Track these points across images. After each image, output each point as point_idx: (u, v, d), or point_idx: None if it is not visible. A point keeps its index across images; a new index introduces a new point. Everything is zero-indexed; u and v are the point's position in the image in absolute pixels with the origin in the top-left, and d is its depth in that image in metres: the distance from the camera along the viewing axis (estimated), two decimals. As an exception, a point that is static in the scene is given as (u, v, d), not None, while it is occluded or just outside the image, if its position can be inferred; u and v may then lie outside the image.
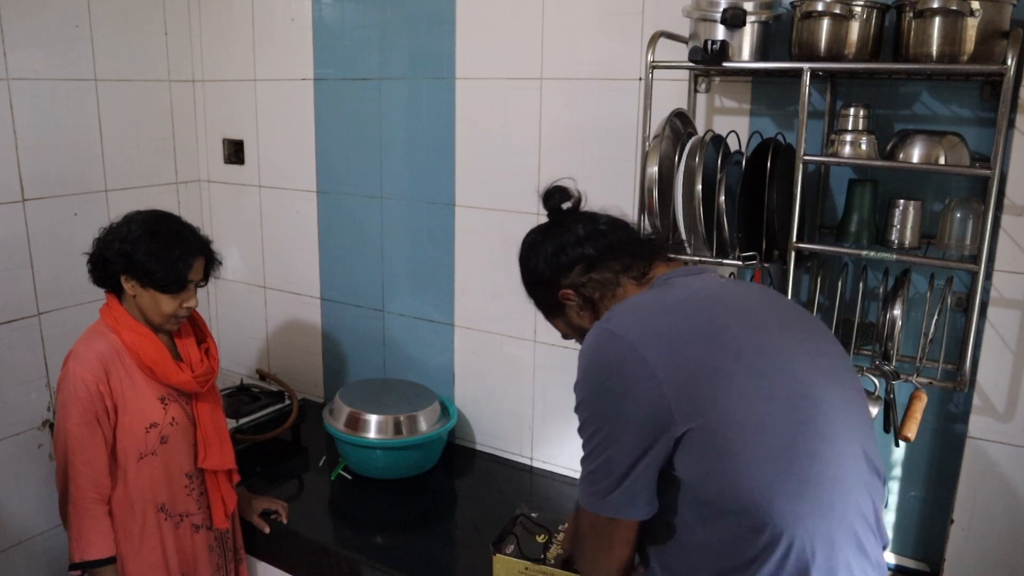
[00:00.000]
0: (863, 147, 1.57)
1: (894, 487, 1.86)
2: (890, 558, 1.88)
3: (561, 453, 2.31)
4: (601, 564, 1.18)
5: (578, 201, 1.34)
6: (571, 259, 1.23)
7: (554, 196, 1.33)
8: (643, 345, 1.05)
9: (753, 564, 1.04)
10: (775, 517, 1.02)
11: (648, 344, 1.05)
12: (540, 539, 1.71)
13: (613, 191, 2.05)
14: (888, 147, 1.58)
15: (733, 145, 1.79)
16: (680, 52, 1.74)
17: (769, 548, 1.03)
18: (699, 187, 1.63)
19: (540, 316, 2.22)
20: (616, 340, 1.07)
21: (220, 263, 1.85)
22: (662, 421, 1.03)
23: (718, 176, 1.65)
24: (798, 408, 1.06)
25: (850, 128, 1.58)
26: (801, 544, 1.03)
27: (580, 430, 1.12)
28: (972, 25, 1.40)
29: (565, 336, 1.37)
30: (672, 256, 1.30)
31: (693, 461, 1.04)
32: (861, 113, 1.58)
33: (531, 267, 1.29)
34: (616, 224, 1.29)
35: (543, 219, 2.17)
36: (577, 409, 1.12)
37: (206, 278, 1.82)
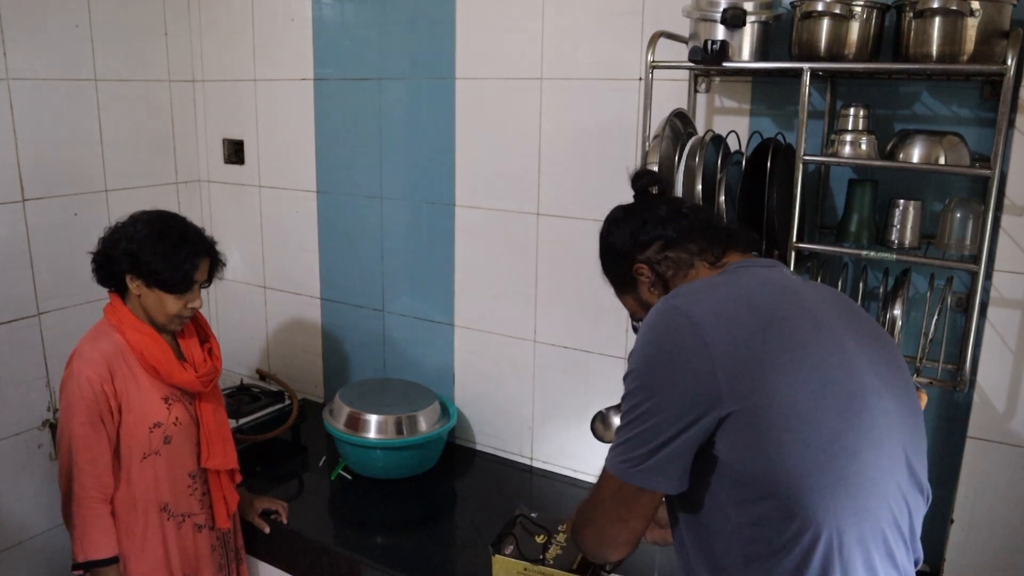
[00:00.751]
0: (863, 147, 1.57)
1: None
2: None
3: (561, 453, 2.31)
4: (612, 535, 1.17)
5: (665, 187, 1.36)
6: (651, 237, 1.25)
7: (643, 178, 1.36)
8: (704, 324, 1.06)
9: (779, 553, 1.04)
10: (807, 508, 1.02)
11: (710, 324, 1.06)
12: (539, 540, 1.71)
13: (613, 191, 2.05)
14: (888, 147, 1.58)
15: (733, 145, 1.79)
16: (680, 52, 1.74)
17: (796, 538, 1.03)
18: (699, 187, 1.63)
19: (540, 316, 2.25)
20: (679, 315, 1.08)
21: (224, 264, 1.86)
22: (711, 399, 1.04)
23: (718, 176, 1.65)
24: (848, 406, 1.06)
25: (850, 128, 1.58)
26: (828, 539, 1.03)
27: (625, 397, 1.12)
28: (972, 25, 1.40)
29: (632, 314, 1.38)
30: (751, 249, 1.31)
31: (736, 442, 1.04)
32: (861, 113, 1.58)
33: (611, 241, 1.30)
34: (698, 210, 1.32)
35: (543, 220, 2.19)
36: (627, 377, 1.12)
37: (210, 279, 1.83)
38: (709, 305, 1.10)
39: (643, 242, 1.26)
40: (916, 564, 1.18)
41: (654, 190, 1.35)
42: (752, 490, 1.05)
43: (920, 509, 1.16)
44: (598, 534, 1.20)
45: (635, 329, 1.25)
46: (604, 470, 1.17)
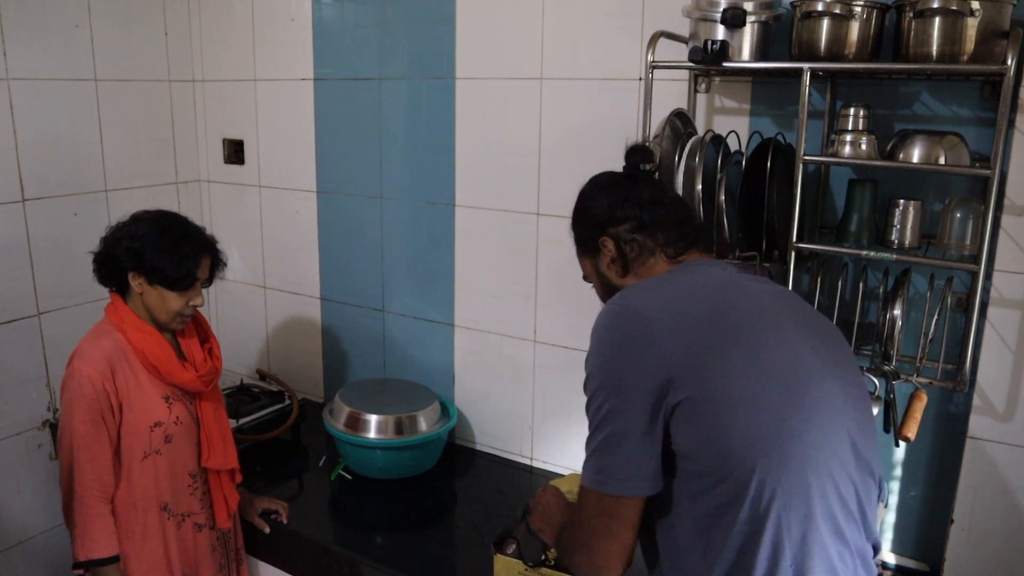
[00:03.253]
0: (863, 147, 1.57)
1: (894, 487, 1.86)
2: (890, 558, 1.88)
3: (561, 453, 2.31)
4: (603, 551, 1.16)
5: (656, 168, 1.38)
6: (626, 215, 1.27)
7: (637, 154, 1.37)
8: (653, 320, 1.09)
9: (733, 536, 1.07)
10: (755, 488, 1.05)
11: (658, 319, 1.09)
12: (542, 538, 1.71)
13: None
14: (888, 147, 1.58)
15: (733, 145, 1.79)
16: (680, 52, 1.74)
17: (748, 520, 1.06)
18: (699, 187, 1.63)
19: (540, 316, 2.25)
20: (629, 314, 1.11)
21: (225, 263, 1.87)
22: (663, 389, 1.07)
23: (718, 176, 1.65)
24: (791, 390, 1.09)
25: (850, 128, 1.58)
26: (776, 518, 1.05)
27: (588, 404, 1.14)
28: (972, 25, 1.40)
29: (586, 278, 1.41)
30: (712, 250, 1.35)
31: (688, 430, 1.07)
32: (861, 113, 1.58)
33: (588, 204, 1.33)
34: (678, 201, 1.34)
35: (543, 220, 2.19)
36: (586, 382, 1.14)
37: (211, 278, 1.83)
38: (657, 302, 1.13)
39: (618, 217, 1.28)
40: (875, 548, 1.19)
41: (646, 168, 1.37)
42: (707, 479, 1.08)
43: (872, 492, 1.18)
44: (589, 555, 1.18)
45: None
46: (582, 486, 1.17)
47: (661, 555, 1.18)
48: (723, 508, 1.08)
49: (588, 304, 2.16)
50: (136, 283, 1.74)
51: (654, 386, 1.07)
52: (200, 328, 1.92)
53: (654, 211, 1.27)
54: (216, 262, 1.83)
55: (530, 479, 2.32)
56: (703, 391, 1.06)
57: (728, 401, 1.06)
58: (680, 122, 1.76)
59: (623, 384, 1.09)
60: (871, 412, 1.22)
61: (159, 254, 1.70)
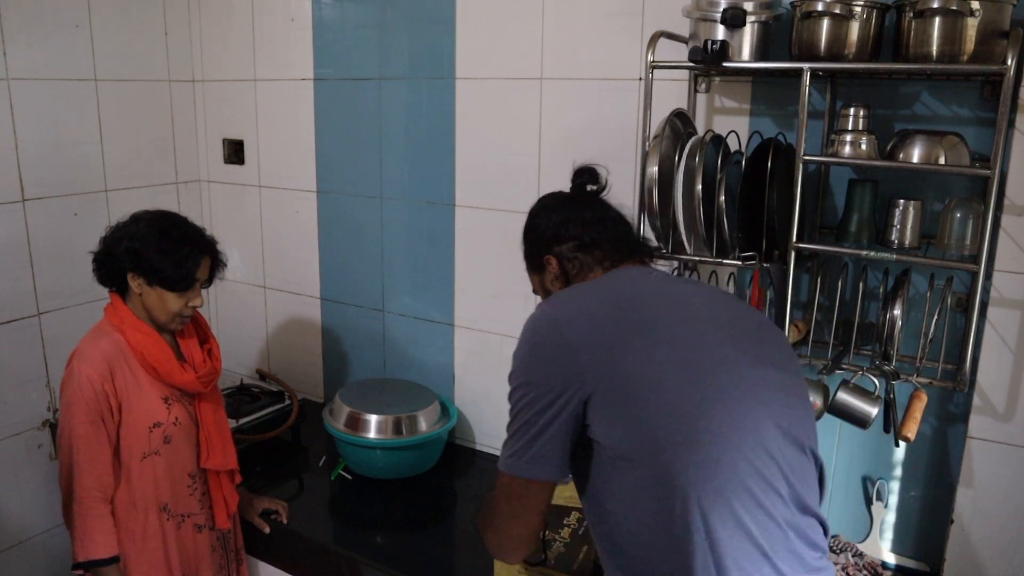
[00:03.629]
0: (863, 147, 1.57)
1: (894, 487, 1.86)
2: (890, 558, 1.88)
3: (561, 453, 2.31)
4: (510, 531, 1.28)
5: (601, 188, 1.47)
6: (570, 234, 1.37)
7: (583, 175, 1.47)
8: (566, 323, 1.20)
9: (651, 513, 1.15)
10: (666, 468, 1.13)
11: (571, 322, 1.20)
12: (543, 536, 1.71)
13: (613, 191, 2.04)
14: (888, 147, 1.58)
15: (733, 145, 1.79)
16: (680, 52, 1.74)
17: (664, 498, 1.14)
18: (699, 187, 1.63)
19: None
20: (546, 319, 1.22)
21: (225, 264, 1.87)
22: (574, 384, 1.17)
23: (718, 176, 1.65)
24: (695, 374, 1.17)
25: (850, 128, 1.58)
26: (684, 492, 1.12)
27: (509, 395, 1.24)
28: (972, 25, 1.40)
29: (534, 291, 1.50)
30: (652, 260, 1.45)
31: (603, 421, 1.16)
32: (861, 113, 1.58)
33: (536, 223, 1.43)
34: (621, 221, 1.42)
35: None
36: (510, 376, 1.25)
37: (211, 278, 1.83)
38: (573, 306, 1.24)
39: (562, 237, 1.37)
40: (825, 530, 1.25)
41: (590, 188, 1.47)
42: (626, 463, 1.16)
43: (805, 468, 1.23)
44: (497, 534, 1.31)
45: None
46: (497, 471, 1.26)
47: (600, 543, 1.26)
48: (640, 487, 1.16)
49: (588, 304, 2.17)
50: (135, 283, 1.74)
51: (565, 383, 1.17)
52: (200, 329, 1.92)
53: (595, 230, 1.37)
54: (216, 263, 1.83)
55: (530, 479, 2.31)
56: (612, 383, 1.16)
57: (634, 388, 1.15)
58: (680, 122, 1.77)
59: (537, 380, 1.19)
60: (805, 400, 1.28)
61: (158, 255, 1.70)
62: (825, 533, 1.26)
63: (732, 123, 1.87)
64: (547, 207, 1.43)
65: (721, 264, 1.70)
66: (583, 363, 1.16)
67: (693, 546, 1.12)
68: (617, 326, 1.20)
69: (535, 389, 1.19)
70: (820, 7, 1.52)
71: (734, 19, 1.59)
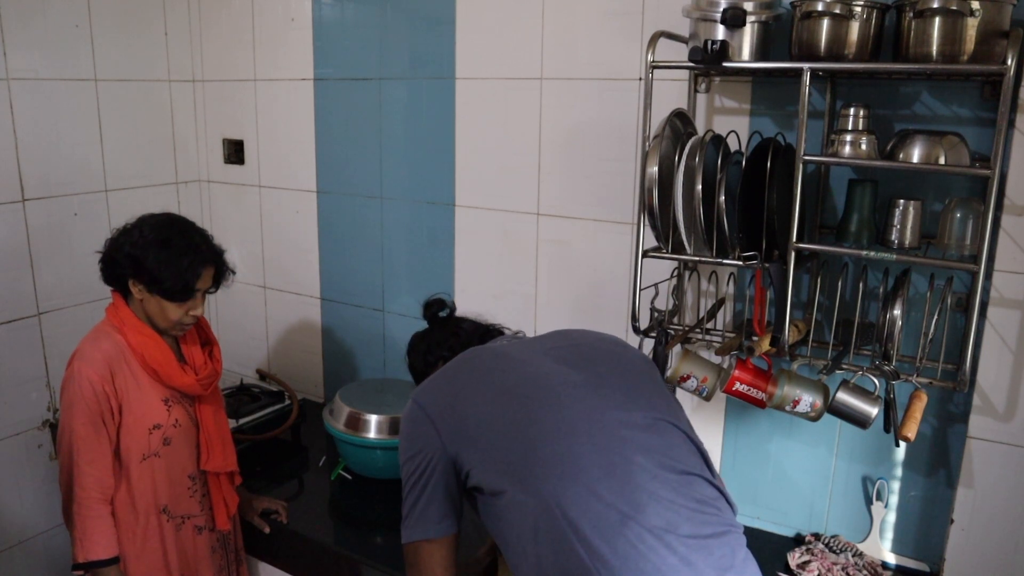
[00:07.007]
0: (863, 147, 1.57)
1: (894, 487, 1.86)
2: (890, 558, 1.88)
3: (561, 453, 2.31)
4: None
5: (451, 311, 1.73)
6: (436, 357, 1.61)
7: (432, 307, 1.72)
8: (426, 402, 1.37)
9: (538, 534, 1.23)
10: (523, 483, 1.25)
11: (429, 400, 1.37)
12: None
13: (613, 191, 2.05)
14: (888, 147, 1.58)
15: (733, 145, 1.79)
16: (680, 52, 1.74)
17: (531, 513, 1.24)
18: (699, 187, 1.63)
19: (540, 317, 2.25)
20: (411, 404, 1.39)
21: (233, 273, 1.85)
22: (436, 445, 1.33)
23: (718, 176, 1.65)
24: (524, 397, 1.32)
25: (850, 128, 1.58)
26: (544, 499, 1.23)
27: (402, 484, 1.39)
28: (972, 25, 1.40)
29: None
30: (505, 332, 1.67)
31: (472, 469, 1.30)
32: (861, 113, 1.58)
33: (412, 362, 1.67)
34: (475, 327, 1.66)
35: (543, 220, 2.19)
36: (400, 467, 1.39)
37: (217, 286, 1.81)
38: (429, 384, 1.42)
39: (431, 362, 1.61)
40: (732, 507, 1.35)
41: (442, 315, 1.71)
42: (503, 498, 1.27)
43: (665, 437, 1.33)
44: None
45: None
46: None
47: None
48: (512, 511, 1.27)
49: (588, 305, 2.17)
50: (136, 289, 1.73)
51: (431, 447, 1.33)
52: (201, 331, 1.92)
53: (451, 343, 1.61)
54: (221, 272, 1.80)
55: (530, 479, 2.31)
56: (460, 431, 1.32)
57: (476, 431, 1.31)
58: (680, 122, 1.76)
59: (412, 454, 1.35)
60: (672, 423, 1.36)
61: (158, 265, 1.68)
62: (713, 486, 1.33)
63: (732, 123, 1.87)
64: (414, 346, 1.67)
65: (721, 264, 1.70)
66: (439, 426, 1.33)
67: (568, 545, 1.20)
68: (450, 384, 1.39)
69: (412, 462, 1.35)
70: (820, 7, 1.52)
71: (734, 19, 1.59)
